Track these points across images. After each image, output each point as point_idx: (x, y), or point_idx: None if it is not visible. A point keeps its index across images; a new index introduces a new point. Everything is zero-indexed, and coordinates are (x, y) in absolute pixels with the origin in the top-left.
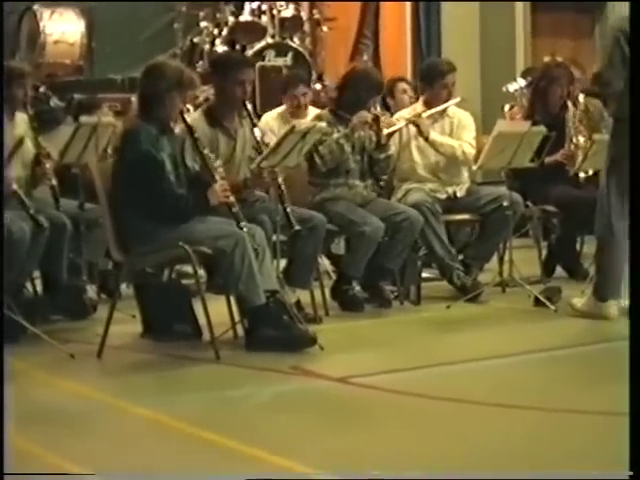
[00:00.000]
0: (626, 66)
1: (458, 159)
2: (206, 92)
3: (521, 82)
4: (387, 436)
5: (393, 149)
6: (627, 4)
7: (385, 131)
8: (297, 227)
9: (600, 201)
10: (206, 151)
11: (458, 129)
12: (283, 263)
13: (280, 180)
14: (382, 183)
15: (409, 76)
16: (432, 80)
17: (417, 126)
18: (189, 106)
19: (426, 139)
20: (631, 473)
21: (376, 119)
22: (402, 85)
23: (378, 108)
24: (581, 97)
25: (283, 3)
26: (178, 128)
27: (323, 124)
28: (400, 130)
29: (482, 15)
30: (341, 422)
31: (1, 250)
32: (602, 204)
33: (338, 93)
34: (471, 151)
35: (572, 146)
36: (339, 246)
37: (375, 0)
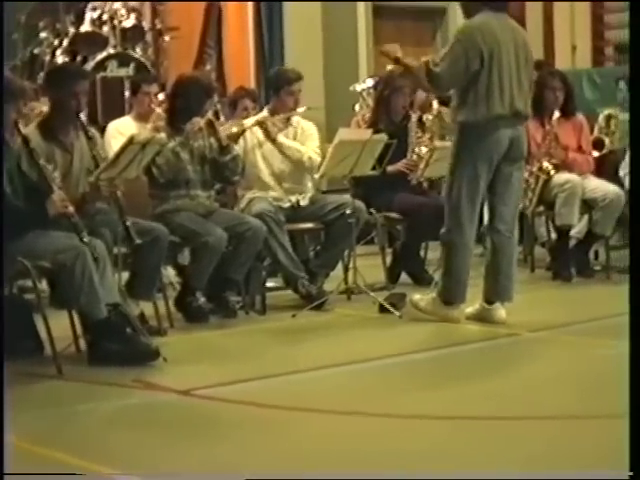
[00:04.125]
0: (469, 71)
1: (304, 164)
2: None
3: (369, 82)
4: (232, 447)
5: (237, 149)
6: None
7: (232, 130)
8: (138, 241)
9: (449, 205)
10: (42, 162)
11: (302, 138)
12: (126, 275)
13: (119, 193)
14: (235, 183)
15: (253, 84)
16: (279, 88)
17: (264, 128)
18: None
19: (273, 141)
20: (631, 473)
21: (210, 124)
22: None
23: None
24: (435, 103)
25: (124, 13)
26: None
27: (162, 135)
28: (244, 137)
29: (324, 23)
30: (184, 435)
31: (1, 250)
32: (451, 208)
33: (170, 103)
34: (316, 158)
35: (414, 155)
36: (185, 257)
37: (216, 0)
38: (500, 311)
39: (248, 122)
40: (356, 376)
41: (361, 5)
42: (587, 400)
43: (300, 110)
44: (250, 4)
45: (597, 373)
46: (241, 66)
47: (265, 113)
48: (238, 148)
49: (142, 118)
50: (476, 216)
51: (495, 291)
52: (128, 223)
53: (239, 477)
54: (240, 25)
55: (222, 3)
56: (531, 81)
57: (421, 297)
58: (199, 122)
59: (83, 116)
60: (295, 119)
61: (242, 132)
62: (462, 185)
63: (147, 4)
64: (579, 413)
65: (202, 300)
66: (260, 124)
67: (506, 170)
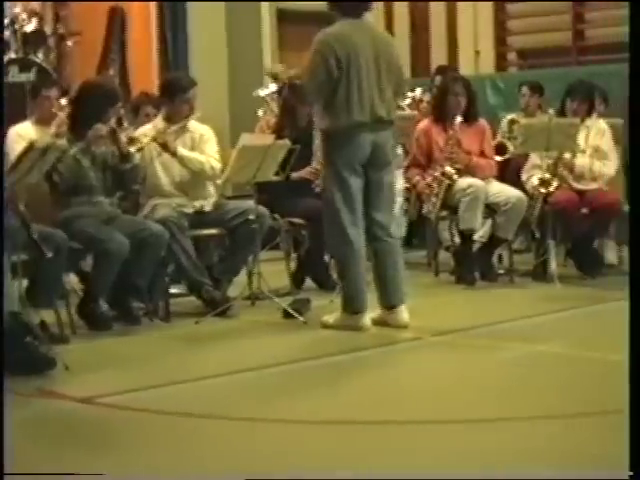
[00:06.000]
0: (331, 79)
1: (207, 174)
2: None
3: (273, 87)
4: (134, 454)
5: (138, 157)
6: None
7: (131, 149)
8: (49, 254)
9: (328, 214)
10: None
11: (200, 143)
12: (26, 283)
13: (19, 202)
14: (135, 192)
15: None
16: (173, 95)
17: (163, 143)
18: None
19: (174, 155)
20: (631, 473)
21: (113, 132)
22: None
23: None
24: None
25: (25, 17)
26: None
27: (63, 141)
28: (143, 147)
29: (228, 30)
30: (87, 443)
31: (1, 251)
32: (331, 216)
33: (72, 109)
34: (217, 165)
35: (318, 163)
36: (88, 263)
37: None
38: (402, 315)
39: (144, 139)
40: (260, 382)
41: (265, 10)
42: (489, 403)
43: (195, 116)
44: (153, 6)
45: (500, 376)
46: (145, 70)
47: (159, 120)
48: (138, 157)
49: (43, 122)
50: (359, 221)
51: (385, 296)
52: (35, 236)
53: (239, 477)
54: (144, 29)
55: (125, 7)
56: (398, 86)
57: (329, 316)
58: (101, 129)
59: None
60: (191, 124)
61: (140, 149)
62: (335, 193)
63: (49, 8)
64: (481, 416)
65: (105, 307)
66: (157, 140)
67: (375, 177)
